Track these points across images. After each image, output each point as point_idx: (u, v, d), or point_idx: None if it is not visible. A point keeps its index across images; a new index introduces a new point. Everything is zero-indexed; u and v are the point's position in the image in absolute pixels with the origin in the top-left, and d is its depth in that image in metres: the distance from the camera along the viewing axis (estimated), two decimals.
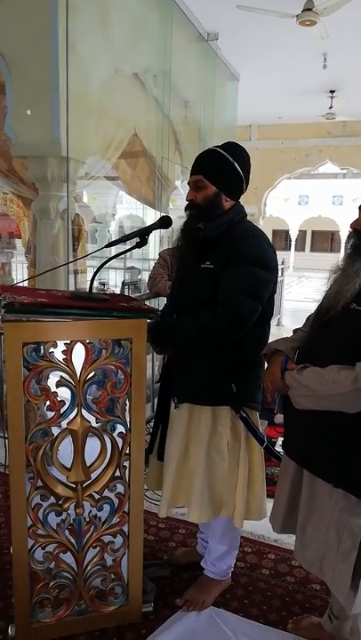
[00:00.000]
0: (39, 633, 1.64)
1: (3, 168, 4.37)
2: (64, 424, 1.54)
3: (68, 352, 1.48)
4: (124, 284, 6.12)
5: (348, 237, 1.42)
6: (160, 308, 1.91)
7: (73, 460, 1.57)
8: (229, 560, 1.92)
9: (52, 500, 1.56)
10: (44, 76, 3.05)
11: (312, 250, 25.64)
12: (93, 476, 1.61)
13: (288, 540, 2.25)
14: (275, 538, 2.29)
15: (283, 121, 8.74)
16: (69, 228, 3.55)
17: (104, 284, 3.71)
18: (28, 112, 3.15)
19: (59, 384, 1.50)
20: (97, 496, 1.61)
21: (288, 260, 20.98)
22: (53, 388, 1.48)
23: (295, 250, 23.99)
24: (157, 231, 2.78)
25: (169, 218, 1.72)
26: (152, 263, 4.33)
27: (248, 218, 1.78)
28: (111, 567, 1.69)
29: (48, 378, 1.47)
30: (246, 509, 1.74)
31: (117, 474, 1.62)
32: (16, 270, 7.07)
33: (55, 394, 1.48)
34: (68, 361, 1.49)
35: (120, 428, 1.60)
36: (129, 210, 15.71)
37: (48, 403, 1.48)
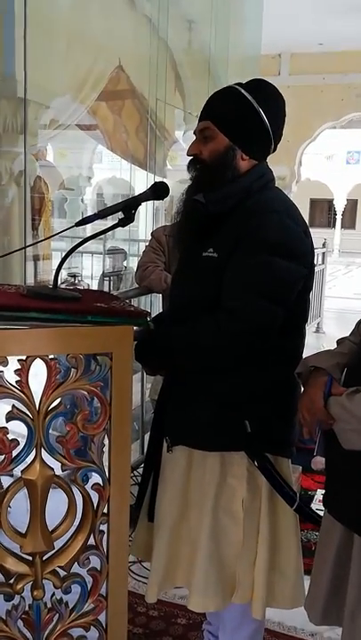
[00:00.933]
0: None
1: None
2: (17, 472, 1.53)
3: (23, 372, 1.48)
4: (104, 275, 6.12)
5: None
6: (156, 310, 1.92)
7: (29, 523, 1.56)
8: None
9: (0, 578, 1.55)
10: None
11: None
12: (58, 544, 1.60)
13: (331, 634, 2.24)
14: (312, 630, 2.29)
15: (325, 48, 8.79)
16: (27, 197, 3.56)
17: (75, 276, 3.70)
18: None
19: (10, 417, 1.49)
20: (63, 573, 1.60)
21: (332, 241, 20.99)
22: (2, 423, 1.48)
23: (342, 227, 24.08)
24: (150, 202, 2.78)
25: (164, 185, 1.72)
26: (142, 246, 4.34)
27: (277, 183, 1.79)
28: None
29: None
30: (270, 593, 1.74)
31: (91, 542, 1.61)
32: None
33: (5, 430, 1.47)
34: (24, 385, 1.48)
35: (96, 478, 1.59)
36: (111, 171, 15.73)
37: None
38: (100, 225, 1.79)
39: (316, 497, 3.06)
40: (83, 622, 1.65)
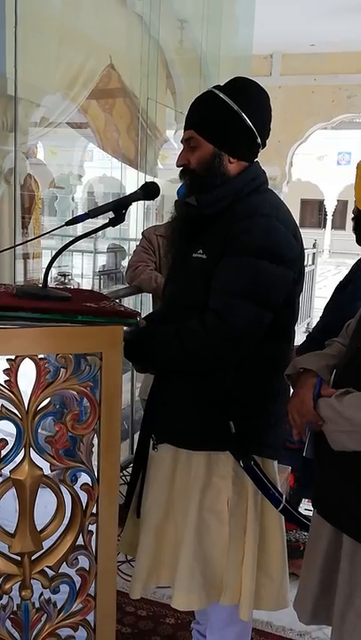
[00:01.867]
0: None
1: None
2: (6, 472, 1.52)
3: (11, 372, 1.47)
4: (101, 273, 6.08)
5: None
6: (146, 309, 1.92)
7: (18, 523, 1.55)
8: None
9: None
10: None
11: None
12: (46, 544, 1.59)
13: (319, 634, 2.25)
14: (301, 630, 2.29)
15: (316, 49, 8.80)
16: (17, 196, 3.55)
17: (65, 275, 3.70)
18: None
19: None
20: (51, 573, 1.60)
21: (322, 241, 21.09)
22: None
23: (332, 227, 24.15)
24: (142, 201, 2.78)
25: (155, 185, 1.73)
26: (133, 245, 4.34)
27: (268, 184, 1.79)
28: None
29: None
30: (258, 595, 1.75)
31: (80, 542, 1.61)
32: None
33: None
34: (13, 384, 1.48)
35: (85, 478, 1.59)
36: (102, 170, 15.74)
37: None
38: (91, 224, 1.79)
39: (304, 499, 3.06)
40: (71, 622, 1.64)
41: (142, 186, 1.72)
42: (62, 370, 1.51)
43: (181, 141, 1.73)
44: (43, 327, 1.47)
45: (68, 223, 1.73)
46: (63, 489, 1.57)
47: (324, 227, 24.02)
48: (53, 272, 3.63)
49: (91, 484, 1.59)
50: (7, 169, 3.39)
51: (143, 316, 1.98)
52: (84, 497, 1.59)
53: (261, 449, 1.72)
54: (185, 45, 5.49)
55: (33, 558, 1.58)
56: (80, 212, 1.61)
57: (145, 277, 3.17)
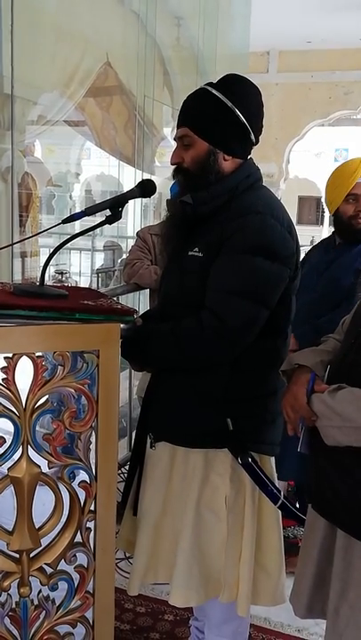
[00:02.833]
0: None
1: None
2: (4, 469, 1.53)
3: (9, 370, 1.47)
4: (98, 271, 6.07)
5: None
6: (143, 307, 1.92)
7: (16, 521, 1.56)
8: None
9: None
10: None
11: None
12: (45, 542, 1.60)
13: (317, 630, 2.25)
14: (298, 626, 2.30)
15: (313, 46, 8.78)
16: (15, 194, 3.54)
17: (63, 273, 3.70)
18: None
19: None
20: (49, 570, 1.60)
21: (320, 238, 21.03)
22: None
23: (330, 224, 24.07)
24: (139, 199, 2.78)
25: (151, 182, 1.73)
26: (130, 243, 4.34)
27: (265, 181, 1.79)
28: None
29: None
30: (255, 591, 1.75)
31: (78, 539, 1.61)
32: None
33: None
34: (10, 382, 1.48)
35: (82, 476, 1.59)
36: (99, 168, 15.72)
37: None
38: (89, 221, 1.78)
39: None
40: (70, 619, 1.65)
41: (139, 183, 1.72)
42: (60, 367, 1.51)
43: (175, 139, 1.72)
44: (40, 325, 1.47)
45: (66, 221, 1.73)
46: (61, 486, 1.57)
47: (322, 223, 23.94)
48: (51, 270, 3.63)
49: (89, 481, 1.59)
50: (4, 167, 3.39)
51: (140, 313, 1.98)
52: (81, 494, 1.60)
53: (259, 446, 1.73)
54: (182, 43, 5.48)
55: (31, 555, 1.58)
56: (78, 210, 1.62)
57: (144, 273, 3.20)
